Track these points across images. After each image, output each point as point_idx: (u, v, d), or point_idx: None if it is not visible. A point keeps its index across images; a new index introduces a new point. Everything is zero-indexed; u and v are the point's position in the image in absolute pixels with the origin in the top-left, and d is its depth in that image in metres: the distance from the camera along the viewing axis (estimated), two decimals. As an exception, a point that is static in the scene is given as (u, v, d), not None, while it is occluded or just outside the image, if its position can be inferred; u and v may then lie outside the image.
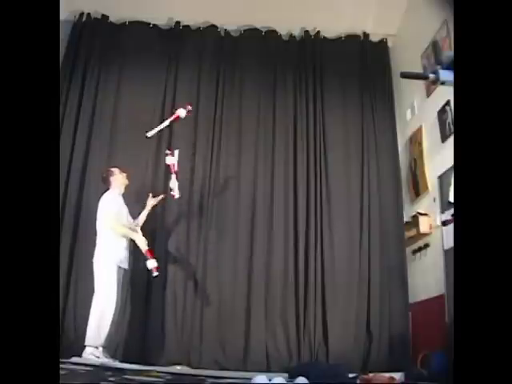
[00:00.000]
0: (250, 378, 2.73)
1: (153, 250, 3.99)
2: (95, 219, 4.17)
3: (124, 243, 4.00)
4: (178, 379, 3.22)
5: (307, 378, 2.78)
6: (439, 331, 3.91)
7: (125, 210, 4.15)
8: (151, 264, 3.85)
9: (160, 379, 2.91)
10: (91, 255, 3.93)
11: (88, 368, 3.16)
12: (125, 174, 4.20)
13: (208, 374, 3.48)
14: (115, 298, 3.80)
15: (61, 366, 2.16)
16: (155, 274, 3.88)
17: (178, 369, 4.03)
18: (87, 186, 4.82)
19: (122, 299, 4.18)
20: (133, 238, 3.99)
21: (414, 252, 4.75)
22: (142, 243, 3.93)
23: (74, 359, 3.53)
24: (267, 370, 4.19)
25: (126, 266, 4.03)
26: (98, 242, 3.94)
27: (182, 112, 4.24)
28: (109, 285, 3.78)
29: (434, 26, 4.49)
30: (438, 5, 4.24)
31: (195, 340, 4.44)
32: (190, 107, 4.29)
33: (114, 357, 3.87)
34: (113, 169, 4.20)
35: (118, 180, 4.14)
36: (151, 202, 4.30)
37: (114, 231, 3.93)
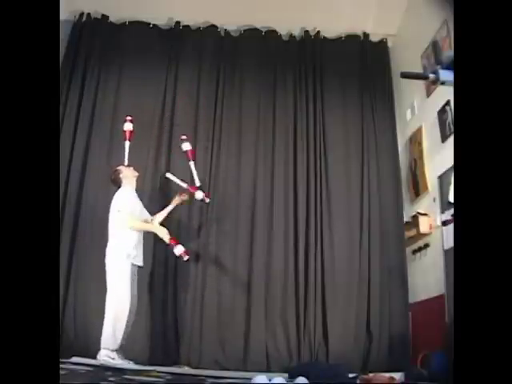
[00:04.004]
0: (250, 378, 2.72)
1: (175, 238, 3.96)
2: (95, 218, 4.17)
3: (136, 239, 3.86)
4: (178, 379, 3.22)
5: (307, 378, 2.78)
6: (439, 331, 3.91)
7: (139, 205, 4.06)
8: (179, 250, 3.81)
9: (160, 379, 2.91)
10: (91, 255, 3.92)
11: (88, 368, 3.16)
12: (131, 168, 4.15)
13: (208, 374, 3.48)
14: (129, 298, 3.67)
15: (61, 366, 2.16)
16: (186, 258, 3.85)
17: (177, 369, 4.02)
18: (87, 186, 4.83)
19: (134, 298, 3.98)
20: (151, 230, 3.95)
21: (414, 252, 4.74)
22: (163, 233, 3.85)
23: (74, 359, 3.53)
24: (267, 370, 4.19)
25: (140, 263, 3.89)
26: (110, 240, 3.84)
27: (199, 194, 4.27)
28: (122, 284, 3.67)
29: (434, 25, 4.49)
30: (437, 5, 4.24)
31: (195, 340, 4.44)
32: (207, 199, 4.32)
33: (128, 358, 3.72)
34: (118, 167, 4.15)
35: (128, 176, 4.07)
36: (177, 200, 4.28)
37: (129, 227, 3.82)
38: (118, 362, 3.54)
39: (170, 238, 3.85)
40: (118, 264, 3.72)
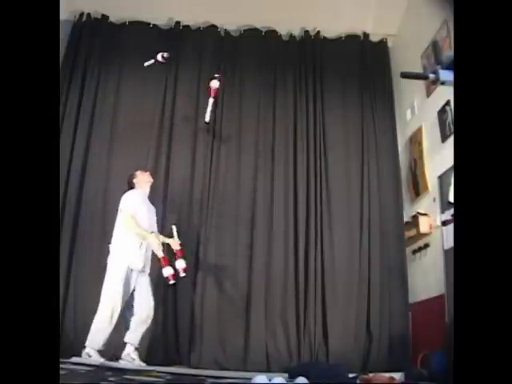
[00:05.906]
0: (250, 378, 2.72)
1: (168, 259, 3.79)
2: (95, 219, 4.13)
3: (139, 244, 3.79)
4: (178, 379, 3.22)
5: (307, 378, 2.77)
6: (439, 331, 3.91)
7: (147, 210, 3.96)
8: (166, 272, 3.70)
9: (160, 379, 2.91)
10: (91, 255, 3.90)
11: (88, 368, 3.16)
12: (147, 173, 4.14)
13: (208, 374, 3.47)
14: (119, 301, 3.61)
15: (61, 365, 2.16)
16: (171, 282, 3.73)
17: (177, 369, 4.02)
18: (87, 186, 4.83)
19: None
20: (147, 240, 3.76)
21: (414, 252, 4.75)
22: (157, 248, 3.72)
23: (74, 359, 3.52)
24: (267, 370, 4.19)
25: (138, 267, 3.76)
26: (113, 239, 3.81)
27: (214, 83, 4.56)
28: (112, 285, 3.65)
29: (434, 25, 4.49)
30: (437, 5, 4.24)
31: (195, 340, 4.44)
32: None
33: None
34: (136, 172, 4.13)
35: (142, 180, 4.06)
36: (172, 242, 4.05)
37: (126, 228, 3.76)
38: (137, 362, 3.58)
39: (163, 257, 3.72)
40: (114, 264, 3.71)
